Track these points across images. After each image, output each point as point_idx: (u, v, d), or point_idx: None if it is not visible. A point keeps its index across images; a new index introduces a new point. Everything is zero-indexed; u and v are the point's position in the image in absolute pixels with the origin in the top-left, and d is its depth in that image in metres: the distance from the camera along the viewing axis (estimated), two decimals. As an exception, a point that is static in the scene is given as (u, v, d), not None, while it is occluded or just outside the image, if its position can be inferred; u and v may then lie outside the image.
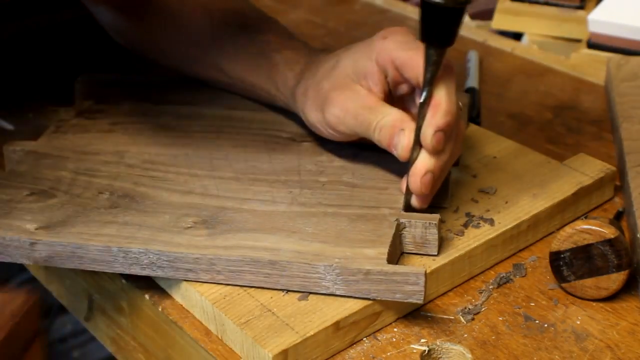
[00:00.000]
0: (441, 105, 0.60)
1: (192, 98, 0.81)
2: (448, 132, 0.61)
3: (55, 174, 0.69)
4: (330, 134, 0.68)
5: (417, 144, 0.61)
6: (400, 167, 0.68)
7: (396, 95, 0.66)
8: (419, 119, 0.61)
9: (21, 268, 1.13)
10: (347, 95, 0.65)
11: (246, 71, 0.76)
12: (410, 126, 0.62)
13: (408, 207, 0.63)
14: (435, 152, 0.61)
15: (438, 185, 0.64)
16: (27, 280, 1.41)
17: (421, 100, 0.60)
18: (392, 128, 0.62)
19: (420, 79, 0.61)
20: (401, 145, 0.62)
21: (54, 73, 0.93)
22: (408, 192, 0.63)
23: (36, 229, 0.62)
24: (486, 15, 1.10)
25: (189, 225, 0.63)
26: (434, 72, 0.60)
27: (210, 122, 0.77)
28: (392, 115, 0.63)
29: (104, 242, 0.61)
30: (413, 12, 1.11)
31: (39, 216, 0.64)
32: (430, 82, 0.60)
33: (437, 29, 0.58)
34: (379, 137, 0.63)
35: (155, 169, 0.70)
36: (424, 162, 0.61)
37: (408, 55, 0.62)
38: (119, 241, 0.61)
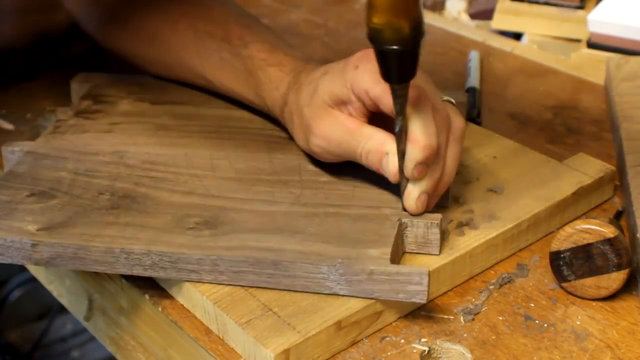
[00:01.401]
0: (418, 141, 0.60)
1: (191, 98, 0.81)
2: (430, 162, 0.61)
3: (55, 174, 0.69)
4: (320, 158, 0.68)
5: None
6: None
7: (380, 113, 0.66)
8: (398, 144, 0.61)
9: (21, 268, 1.13)
10: (327, 123, 0.65)
11: (233, 85, 0.76)
12: (394, 149, 0.61)
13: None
14: (420, 178, 0.61)
15: (439, 195, 0.64)
16: (27, 280, 1.42)
17: (396, 131, 0.61)
18: (377, 153, 0.62)
19: (392, 112, 0.61)
20: (389, 171, 0.62)
21: (53, 73, 0.93)
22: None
23: (37, 230, 0.62)
24: (486, 15, 1.10)
25: (191, 226, 0.63)
26: (403, 104, 0.59)
27: (210, 121, 0.77)
28: (375, 138, 0.63)
29: (106, 243, 0.61)
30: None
31: (39, 217, 0.64)
32: (401, 113, 0.60)
33: (394, 69, 0.58)
34: (367, 162, 0.63)
35: (155, 169, 0.70)
36: (414, 187, 0.62)
37: (380, 89, 0.61)
38: (121, 242, 0.61)
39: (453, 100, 0.68)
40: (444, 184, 0.64)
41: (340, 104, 0.64)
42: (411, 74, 0.58)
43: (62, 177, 0.69)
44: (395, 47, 0.56)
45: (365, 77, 0.62)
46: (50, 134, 0.75)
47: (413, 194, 0.62)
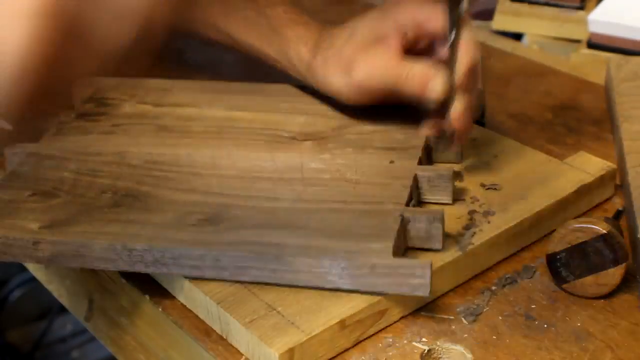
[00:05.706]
0: (470, 45, 0.67)
1: (192, 100, 0.81)
2: (478, 68, 0.67)
3: (57, 174, 0.69)
4: (355, 95, 0.72)
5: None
6: (402, 164, 0.68)
7: (411, 56, 0.71)
8: (451, 62, 0.67)
9: (21, 268, 1.13)
10: (372, 54, 0.70)
11: (257, 42, 0.79)
12: (441, 72, 0.67)
13: (433, 153, 0.72)
14: (469, 87, 0.68)
15: (472, 121, 0.71)
16: (28, 280, 1.42)
17: (450, 42, 0.67)
18: (424, 76, 0.68)
19: (445, 29, 0.68)
20: (438, 89, 0.67)
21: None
22: (443, 135, 0.71)
23: (39, 228, 0.62)
24: (486, 15, 1.10)
25: (193, 223, 0.63)
26: (459, 16, 0.66)
27: (211, 122, 0.77)
28: (421, 65, 0.69)
29: (108, 241, 0.61)
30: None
31: (42, 216, 0.64)
32: (455, 25, 0.66)
33: None
34: (411, 85, 0.68)
35: (157, 168, 0.70)
36: (461, 102, 0.68)
37: (430, 10, 0.69)
38: (123, 239, 0.61)
39: None
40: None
41: (381, 40, 0.70)
42: None
43: (65, 177, 0.69)
44: None
45: (411, 5, 0.70)
46: (52, 135, 0.75)
47: (461, 108, 0.68)
